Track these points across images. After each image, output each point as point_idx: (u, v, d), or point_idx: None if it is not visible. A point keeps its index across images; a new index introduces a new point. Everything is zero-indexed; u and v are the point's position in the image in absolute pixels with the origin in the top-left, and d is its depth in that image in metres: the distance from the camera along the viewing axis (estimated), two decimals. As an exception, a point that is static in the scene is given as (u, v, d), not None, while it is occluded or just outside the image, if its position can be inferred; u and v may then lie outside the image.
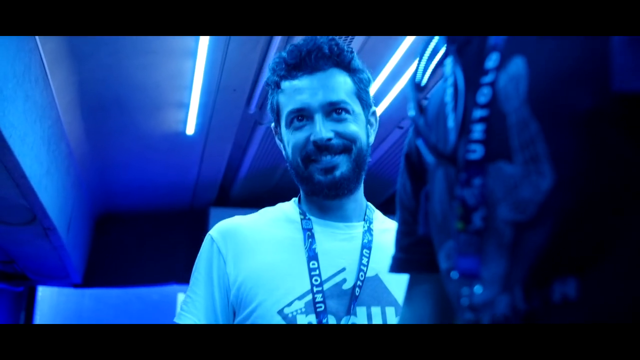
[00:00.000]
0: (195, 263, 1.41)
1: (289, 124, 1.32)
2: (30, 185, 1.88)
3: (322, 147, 1.29)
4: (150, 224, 4.22)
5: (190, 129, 2.84)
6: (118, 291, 4.22)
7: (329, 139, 1.29)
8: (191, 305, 1.38)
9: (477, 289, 0.57)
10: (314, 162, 1.30)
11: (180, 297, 4.08)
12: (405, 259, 0.76)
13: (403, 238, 0.76)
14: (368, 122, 1.36)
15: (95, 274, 4.06)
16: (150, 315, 4.06)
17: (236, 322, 1.35)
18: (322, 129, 1.28)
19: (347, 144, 1.33)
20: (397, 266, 0.77)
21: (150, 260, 4.21)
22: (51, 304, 4.20)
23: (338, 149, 1.32)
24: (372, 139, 1.40)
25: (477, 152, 0.56)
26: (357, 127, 1.33)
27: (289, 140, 1.32)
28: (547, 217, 0.50)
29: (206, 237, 1.42)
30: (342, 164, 1.34)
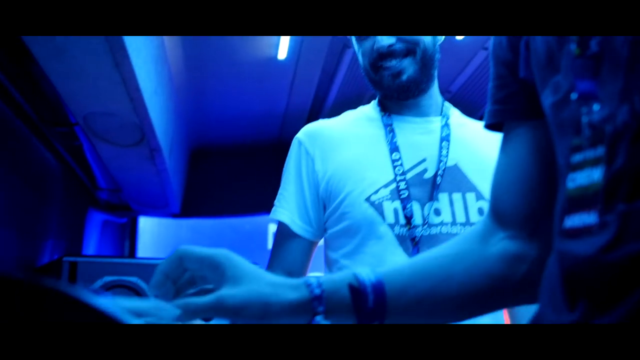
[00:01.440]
0: (285, 165, 1.54)
1: (357, 40, 1.45)
2: (143, 99, 2.02)
3: (386, 54, 1.40)
4: (241, 157, 4.38)
5: (282, 53, 2.92)
6: (212, 222, 4.42)
7: (391, 45, 1.39)
8: (283, 201, 1.51)
9: (596, 106, 0.60)
10: (381, 68, 1.42)
11: (272, 227, 4.25)
12: (501, 109, 0.80)
13: (497, 92, 0.81)
14: None
15: (191, 205, 4.26)
16: (243, 245, 4.25)
17: (327, 213, 1.46)
18: (383, 36, 1.39)
19: (410, 47, 1.43)
20: (492, 116, 0.81)
21: (242, 192, 4.39)
22: (152, 235, 4.45)
23: (401, 52, 1.43)
24: (441, 37, 1.48)
25: None
26: None
27: (358, 49, 1.44)
28: None
29: (293, 140, 1.54)
30: (408, 67, 1.44)
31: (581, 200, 0.67)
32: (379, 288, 0.79)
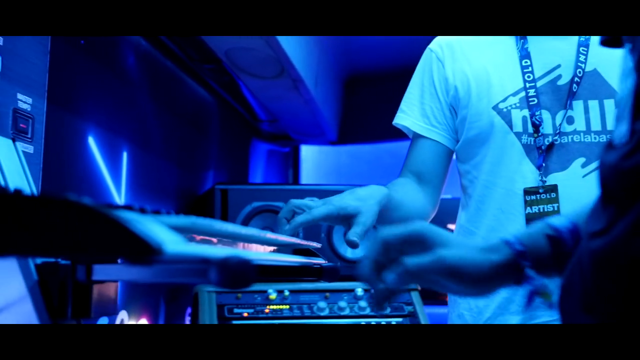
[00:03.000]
0: (414, 73, 1.55)
1: None
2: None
3: None
4: (396, 81, 4.37)
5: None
6: (370, 147, 4.50)
7: None
8: (405, 106, 1.53)
9: None
10: None
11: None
12: None
13: None
14: None
15: (348, 132, 4.37)
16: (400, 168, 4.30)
17: (457, 122, 1.47)
18: None
19: None
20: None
21: (398, 117, 4.42)
22: (313, 162, 4.63)
23: None
24: None
25: None
26: None
27: None
28: None
29: (425, 51, 1.55)
30: None
31: (621, 112, 0.67)
32: (575, 232, 0.80)
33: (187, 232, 0.70)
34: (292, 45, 2.40)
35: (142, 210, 0.69)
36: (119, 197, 1.91)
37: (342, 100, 4.27)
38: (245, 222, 2.42)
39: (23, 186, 1.07)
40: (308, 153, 4.59)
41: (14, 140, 1.12)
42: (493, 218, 1.39)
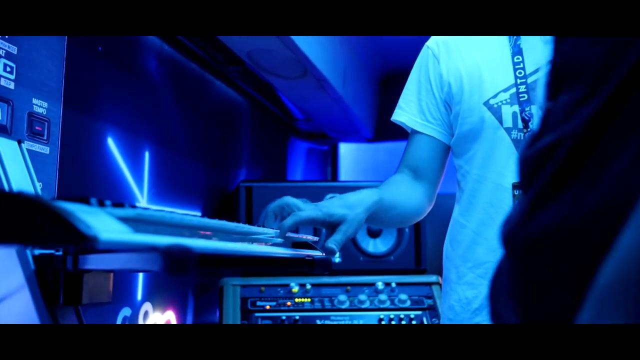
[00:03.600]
0: (412, 70, 1.60)
1: None
2: (289, 36, 2.17)
3: None
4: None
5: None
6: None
7: None
8: (402, 102, 1.58)
9: None
10: None
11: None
12: None
13: None
14: None
15: (385, 129, 4.40)
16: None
17: (451, 117, 1.51)
18: None
19: None
20: None
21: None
22: (351, 159, 4.69)
23: None
24: None
25: None
26: None
27: None
28: None
29: (423, 48, 1.60)
30: None
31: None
32: None
33: (137, 223, 0.78)
34: (311, 46, 2.46)
35: (101, 203, 0.77)
36: (141, 194, 2.02)
37: (378, 99, 4.31)
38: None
39: (26, 185, 1.16)
40: (346, 150, 4.65)
41: (19, 143, 1.22)
42: (483, 212, 1.43)
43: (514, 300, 0.67)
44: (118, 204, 0.79)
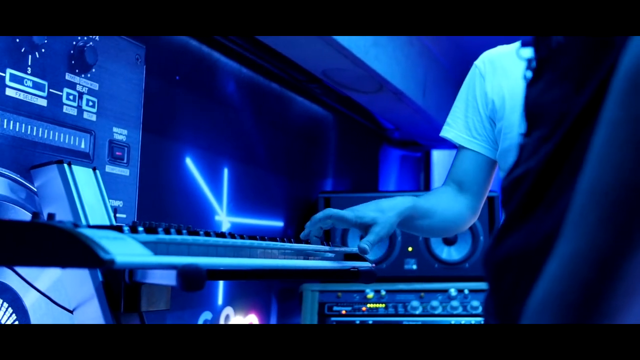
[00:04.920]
0: (462, 86, 1.70)
1: None
2: (356, 56, 2.30)
3: None
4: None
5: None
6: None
7: None
8: (450, 119, 1.67)
9: None
10: None
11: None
12: None
13: None
14: None
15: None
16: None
17: (496, 132, 1.59)
18: None
19: None
20: None
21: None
22: (444, 166, 4.74)
23: None
24: None
25: None
26: None
27: None
28: None
29: (472, 66, 1.69)
30: None
31: None
32: None
33: (169, 245, 0.93)
34: (383, 62, 2.57)
35: (133, 230, 0.93)
36: (221, 208, 2.21)
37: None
38: (346, 230, 2.64)
39: (98, 207, 1.36)
40: (439, 157, 4.71)
41: (94, 170, 1.42)
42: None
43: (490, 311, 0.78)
44: (151, 229, 0.95)
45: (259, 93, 2.54)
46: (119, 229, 0.90)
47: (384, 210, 1.43)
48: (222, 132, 2.26)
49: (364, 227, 1.42)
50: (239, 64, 2.37)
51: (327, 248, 1.37)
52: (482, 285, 2.57)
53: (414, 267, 2.64)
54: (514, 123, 1.54)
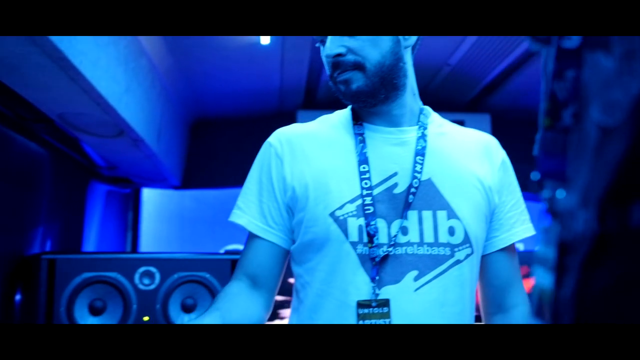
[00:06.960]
0: (252, 166, 1.50)
1: (318, 41, 1.41)
2: (109, 103, 2.01)
3: (334, 64, 1.36)
4: (242, 127, 4.35)
5: (265, 39, 2.87)
6: (215, 192, 4.43)
7: (338, 55, 1.34)
8: (242, 204, 1.47)
9: (560, 193, 0.53)
10: (332, 76, 1.38)
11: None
12: None
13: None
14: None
15: (193, 176, 4.27)
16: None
17: (293, 223, 1.43)
18: (331, 45, 1.34)
19: (359, 61, 1.36)
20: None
21: (244, 162, 4.34)
22: (155, 205, 4.48)
23: (349, 65, 1.37)
24: (409, 43, 1.41)
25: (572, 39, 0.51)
26: (372, 44, 1.36)
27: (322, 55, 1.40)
28: (630, 126, 0.44)
29: (264, 143, 1.50)
30: (357, 80, 1.38)
31: None
32: None
33: None
34: (131, 108, 2.30)
35: None
36: None
37: (188, 145, 4.18)
38: (75, 294, 2.27)
39: None
40: (150, 196, 4.44)
41: None
42: (326, 329, 1.37)
43: None
44: None
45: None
46: None
47: None
48: None
49: None
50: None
51: None
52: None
53: None
54: (318, 217, 1.41)
